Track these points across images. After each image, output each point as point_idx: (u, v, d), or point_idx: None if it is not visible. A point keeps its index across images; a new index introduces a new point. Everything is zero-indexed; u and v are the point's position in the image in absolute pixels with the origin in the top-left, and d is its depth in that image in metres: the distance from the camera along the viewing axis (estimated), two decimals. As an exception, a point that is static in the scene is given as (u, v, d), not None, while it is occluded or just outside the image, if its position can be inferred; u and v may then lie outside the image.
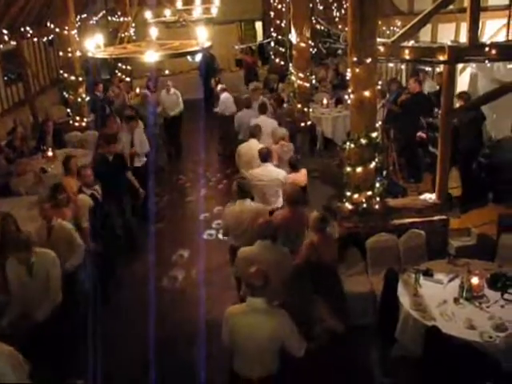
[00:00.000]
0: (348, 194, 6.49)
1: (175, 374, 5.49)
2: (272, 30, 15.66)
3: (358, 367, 5.55)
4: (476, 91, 9.44)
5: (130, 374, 5.55)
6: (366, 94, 6.19)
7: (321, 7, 15.00)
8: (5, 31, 11.07)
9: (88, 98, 11.26)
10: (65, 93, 11.71)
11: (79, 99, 11.02)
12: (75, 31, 10.90)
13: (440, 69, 9.21)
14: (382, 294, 5.57)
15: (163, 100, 11.99)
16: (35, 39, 13.27)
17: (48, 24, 11.95)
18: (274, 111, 10.64)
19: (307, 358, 4.22)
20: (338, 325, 4.55)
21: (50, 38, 13.72)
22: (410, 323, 5.00)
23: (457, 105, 7.31)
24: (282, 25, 14.60)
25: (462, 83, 9.92)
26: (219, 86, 12.41)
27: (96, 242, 6.45)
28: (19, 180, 8.23)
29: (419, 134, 8.93)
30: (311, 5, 12.46)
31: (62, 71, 11.65)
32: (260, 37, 20.19)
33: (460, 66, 9.59)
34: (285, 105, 11.22)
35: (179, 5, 9.26)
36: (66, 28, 10.66)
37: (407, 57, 6.41)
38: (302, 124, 10.64)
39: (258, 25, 20.42)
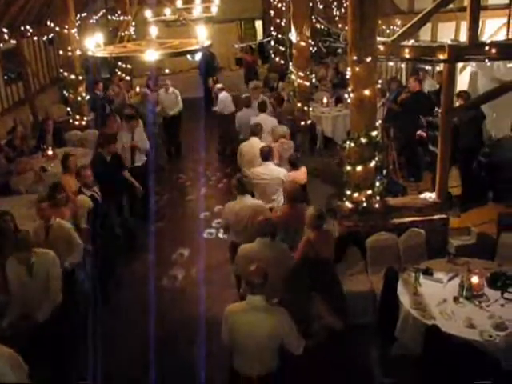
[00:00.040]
0: (348, 192, 6.50)
1: (175, 374, 5.50)
2: (272, 28, 15.64)
3: (358, 366, 5.55)
4: (476, 90, 9.44)
5: (130, 374, 5.55)
6: (366, 92, 6.19)
7: (321, 6, 14.98)
8: (5, 30, 11.06)
9: (88, 97, 11.24)
10: (65, 92, 11.70)
11: (79, 98, 11.01)
12: (75, 30, 10.89)
13: (440, 68, 9.19)
14: (382, 293, 5.58)
15: (162, 99, 11.97)
16: (35, 38, 13.25)
17: (48, 23, 11.93)
18: (274, 110, 10.64)
19: (306, 356, 4.23)
20: (337, 322, 4.55)
21: (50, 36, 13.68)
22: (410, 322, 5.01)
23: (456, 104, 7.31)
24: (282, 24, 14.58)
25: (462, 82, 9.92)
26: (217, 86, 12.40)
27: (95, 243, 6.44)
28: (19, 179, 8.23)
29: (419, 132, 8.93)
30: (311, 4, 12.44)
31: (62, 70, 11.64)
32: (260, 36, 20.18)
33: (460, 64, 9.60)
34: (285, 104, 11.22)
35: (179, 4, 9.25)
36: (66, 27, 10.65)
37: (407, 56, 6.41)
38: (302, 123, 10.64)
39: (258, 23, 20.41)
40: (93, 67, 12.76)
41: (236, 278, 5.88)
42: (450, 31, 10.30)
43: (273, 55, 16.03)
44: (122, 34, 5.44)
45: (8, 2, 10.56)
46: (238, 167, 8.43)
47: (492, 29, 9.13)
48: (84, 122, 11.02)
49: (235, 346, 4.18)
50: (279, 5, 14.96)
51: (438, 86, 10.05)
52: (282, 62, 13.83)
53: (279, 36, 14.81)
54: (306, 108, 10.81)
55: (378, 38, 6.31)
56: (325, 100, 12.15)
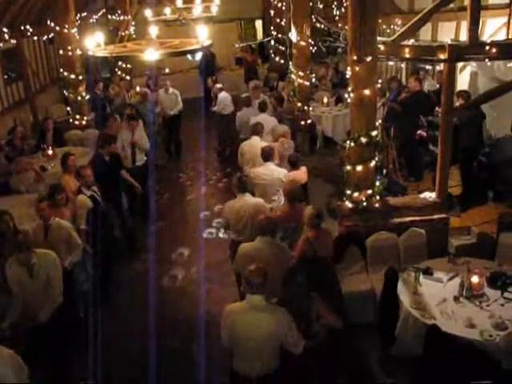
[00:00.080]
0: (348, 192, 6.50)
1: (175, 374, 5.50)
2: (272, 28, 15.63)
3: (358, 366, 5.55)
4: (476, 90, 9.44)
5: (130, 374, 5.54)
6: (366, 92, 6.19)
7: (321, 6, 14.98)
8: (5, 30, 11.07)
9: (88, 97, 11.24)
10: (65, 91, 11.69)
11: (79, 98, 11.01)
12: (75, 30, 10.89)
13: (440, 67, 9.19)
14: (382, 293, 5.58)
15: (162, 100, 11.95)
16: (35, 38, 13.26)
17: (48, 22, 11.90)
18: (275, 110, 10.64)
19: (307, 355, 4.22)
20: (337, 321, 4.55)
21: (50, 36, 13.68)
22: (410, 322, 5.01)
23: (456, 103, 7.30)
24: (282, 23, 14.59)
25: (462, 82, 9.92)
26: (216, 86, 12.40)
27: (94, 244, 6.43)
28: (19, 178, 8.22)
29: (419, 132, 8.93)
30: (311, 3, 12.45)
31: (62, 70, 11.63)
32: (260, 35, 20.19)
33: (460, 64, 9.59)
34: (285, 104, 11.22)
35: (179, 3, 9.24)
36: (67, 26, 10.64)
37: (407, 55, 6.40)
38: (302, 122, 10.64)
39: (258, 23, 20.41)
40: (93, 67, 12.75)
41: (236, 277, 5.88)
42: (451, 31, 10.29)
43: (273, 55, 16.03)
44: (122, 33, 5.43)
45: (8, 1, 10.56)
46: (238, 167, 8.43)
47: (492, 28, 9.12)
48: (84, 122, 11.02)
49: (235, 345, 4.18)
50: (279, 4, 14.95)
51: (438, 86, 10.06)
52: (282, 61, 13.83)
53: (279, 35, 14.79)
54: (306, 108, 10.81)
55: (378, 38, 6.31)
56: (325, 100, 12.16)
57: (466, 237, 6.83)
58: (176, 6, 8.90)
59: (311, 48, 11.18)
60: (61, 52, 11.19)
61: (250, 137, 8.24)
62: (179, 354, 5.82)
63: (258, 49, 18.94)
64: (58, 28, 10.87)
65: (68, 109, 11.66)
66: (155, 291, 6.51)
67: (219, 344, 4.41)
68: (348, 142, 6.45)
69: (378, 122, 7.69)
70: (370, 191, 6.47)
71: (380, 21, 9.98)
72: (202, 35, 4.73)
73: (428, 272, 5.52)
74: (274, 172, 7.01)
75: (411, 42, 6.96)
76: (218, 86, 12.28)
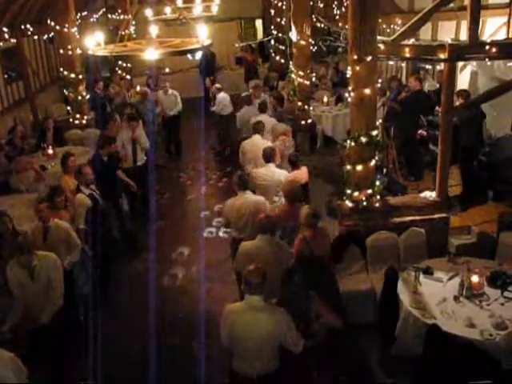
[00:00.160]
0: (348, 191, 6.50)
1: (175, 373, 5.50)
2: (272, 27, 15.62)
3: (358, 366, 5.55)
4: (476, 89, 9.44)
5: (130, 374, 5.55)
6: (367, 91, 6.18)
7: (321, 5, 14.97)
8: (5, 29, 11.06)
9: (88, 96, 11.24)
10: (65, 90, 11.69)
11: (79, 97, 11.01)
12: (75, 29, 10.89)
13: (440, 67, 9.19)
14: (382, 292, 5.58)
15: (161, 100, 11.94)
16: (35, 37, 13.25)
17: (48, 22, 11.90)
18: (274, 110, 10.63)
19: (306, 355, 4.23)
20: (337, 320, 4.55)
21: (50, 35, 13.68)
22: (410, 321, 5.01)
23: (456, 103, 7.30)
24: (283, 23, 14.58)
25: (463, 81, 9.91)
26: (215, 86, 12.39)
27: (93, 244, 6.42)
28: (19, 177, 8.23)
29: (419, 131, 8.93)
30: (311, 3, 12.45)
31: (62, 69, 11.63)
32: (260, 35, 20.18)
33: (460, 64, 9.59)
34: (285, 103, 11.21)
35: (179, 3, 9.23)
36: (67, 26, 10.65)
37: (407, 55, 6.40)
38: (303, 122, 10.63)
39: (258, 23, 20.40)
40: (93, 66, 12.74)
41: (237, 275, 5.88)
42: (451, 30, 10.29)
43: (273, 54, 16.03)
44: (123, 32, 5.43)
45: (8, 0, 10.56)
46: (238, 165, 8.43)
47: (492, 28, 9.12)
48: (84, 121, 11.03)
49: (234, 346, 4.19)
50: (279, 4, 14.93)
51: (438, 86, 10.05)
52: (283, 61, 13.81)
53: (279, 35, 14.79)
54: (306, 107, 10.80)
55: (379, 37, 6.31)
56: (325, 99, 12.15)
57: (466, 236, 6.83)
58: (176, 6, 8.88)
59: (311, 47, 11.18)
60: (61, 51, 11.19)
61: (252, 135, 8.25)
62: (179, 352, 5.82)
63: (258, 48, 18.93)
64: (58, 27, 10.87)
65: (68, 108, 11.66)
66: (155, 291, 6.50)
67: (219, 344, 4.41)
68: (348, 141, 6.45)
69: (378, 122, 7.68)
70: (370, 191, 6.46)
71: (380, 20, 9.96)
72: (202, 35, 4.73)
73: (428, 271, 5.52)
74: (274, 173, 7.02)
75: (411, 41, 6.96)
76: (217, 86, 12.28)
